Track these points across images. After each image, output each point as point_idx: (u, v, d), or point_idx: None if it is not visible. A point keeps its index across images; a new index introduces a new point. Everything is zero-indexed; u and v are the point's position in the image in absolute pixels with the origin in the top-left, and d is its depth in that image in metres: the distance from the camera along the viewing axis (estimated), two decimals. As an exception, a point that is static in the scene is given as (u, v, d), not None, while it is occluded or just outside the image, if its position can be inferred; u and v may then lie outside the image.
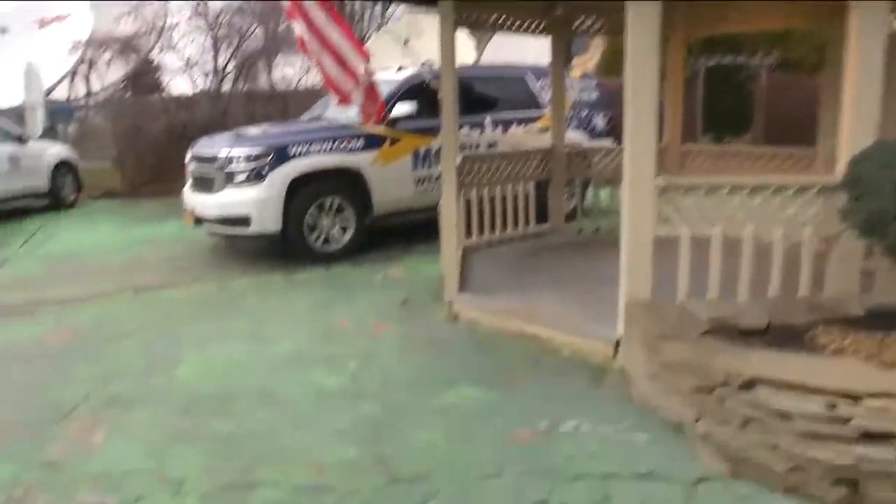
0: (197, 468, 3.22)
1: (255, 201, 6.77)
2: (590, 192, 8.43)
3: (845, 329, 3.55)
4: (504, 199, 6.48)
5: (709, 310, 3.76)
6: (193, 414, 3.79)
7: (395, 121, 7.49)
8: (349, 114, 7.56)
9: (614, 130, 9.45)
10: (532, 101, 8.78)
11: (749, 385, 3.08)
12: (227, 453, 3.36)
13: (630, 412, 3.62)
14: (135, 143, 13.47)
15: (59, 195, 12.15)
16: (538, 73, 8.78)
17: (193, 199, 7.42)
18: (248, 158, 6.89)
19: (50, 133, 15.85)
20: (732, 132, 12.94)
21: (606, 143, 8.68)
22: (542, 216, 7.03)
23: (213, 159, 7.15)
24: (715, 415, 3.20)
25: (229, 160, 6.96)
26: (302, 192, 6.92)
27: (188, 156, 7.77)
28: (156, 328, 5.30)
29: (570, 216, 7.67)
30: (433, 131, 7.29)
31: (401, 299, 5.60)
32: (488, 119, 8.27)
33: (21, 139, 11.65)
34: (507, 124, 8.41)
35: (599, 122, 9.69)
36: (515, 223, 6.67)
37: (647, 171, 3.89)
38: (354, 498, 2.94)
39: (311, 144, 7.04)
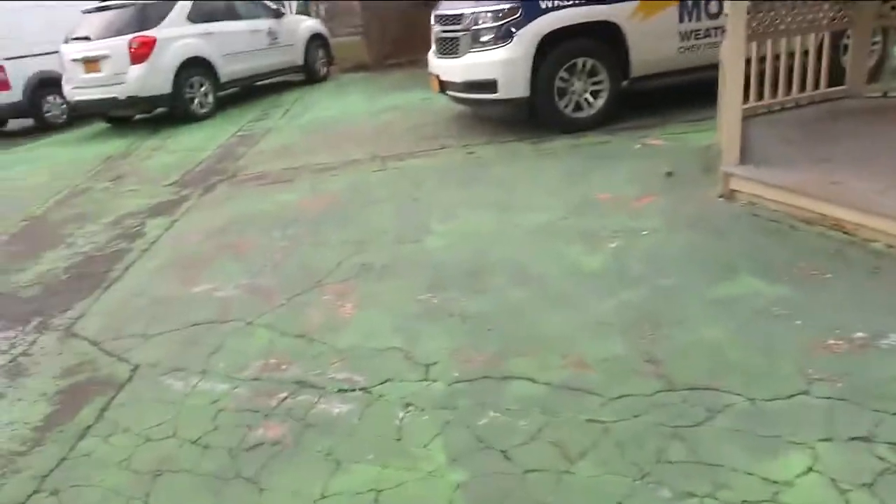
0: (445, 350, 2.99)
1: (503, 63, 6.27)
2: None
3: None
4: (791, 54, 5.36)
5: None
6: (442, 289, 3.57)
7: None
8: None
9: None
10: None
11: None
12: (477, 336, 3.09)
13: None
14: (380, 16, 13.52)
15: (312, 68, 12.63)
16: None
17: (438, 63, 7.11)
18: (496, 16, 6.35)
19: (303, 10, 16.51)
20: None
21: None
22: (833, 77, 5.78)
23: (457, 19, 6.71)
24: None
25: (475, 19, 6.48)
26: (552, 52, 6.28)
27: (432, 18, 7.43)
28: (404, 196, 5.18)
29: (871, 77, 6.27)
30: (705, -25, 6.22)
31: (664, 171, 4.91)
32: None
33: (277, 14, 12.09)
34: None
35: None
36: (804, 84, 5.54)
37: None
38: (622, 405, 2.51)
39: (563, -5, 6.30)
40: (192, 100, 9.88)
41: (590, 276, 3.50)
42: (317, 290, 3.72)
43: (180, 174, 6.86)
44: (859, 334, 2.79)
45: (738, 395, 2.50)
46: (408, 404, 2.67)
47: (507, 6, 6.30)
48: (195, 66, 9.87)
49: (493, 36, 6.35)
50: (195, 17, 10.19)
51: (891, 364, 2.60)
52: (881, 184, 3.79)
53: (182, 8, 10.06)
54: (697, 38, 6.62)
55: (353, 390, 2.80)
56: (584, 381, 2.66)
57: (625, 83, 6.53)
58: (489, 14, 6.38)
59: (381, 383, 2.82)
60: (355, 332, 3.25)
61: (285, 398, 2.81)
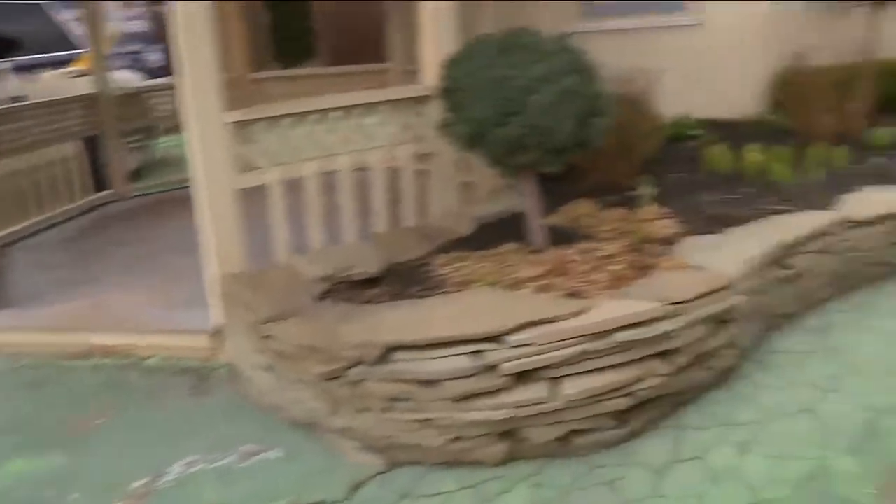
0: None
1: None
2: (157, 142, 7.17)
3: (461, 252, 3.22)
4: (37, 168, 5.00)
5: (317, 266, 3.10)
6: None
7: None
8: None
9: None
10: (59, 38, 7.05)
11: (386, 355, 2.48)
12: None
13: (251, 423, 2.83)
14: None
15: None
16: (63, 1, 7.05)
17: None
18: None
19: None
20: (301, 58, 12.35)
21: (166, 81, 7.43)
22: (101, 181, 5.70)
23: None
24: (353, 402, 2.56)
25: None
26: None
27: None
28: None
29: (139, 174, 6.44)
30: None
31: None
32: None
33: None
34: (29, 70, 6.62)
35: (155, 57, 8.35)
36: (64, 197, 5.25)
37: (213, 106, 2.99)
38: None
39: None
40: None
41: None
42: None
43: None
44: (141, 480, 2.53)
45: None
46: None
47: None
48: None
49: None
50: None
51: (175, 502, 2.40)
52: (143, 296, 3.70)
53: None
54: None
55: None
56: None
57: None
58: None
59: None
60: None
61: None
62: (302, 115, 3.23)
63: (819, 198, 3.76)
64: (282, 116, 3.18)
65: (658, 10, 5.44)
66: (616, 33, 5.31)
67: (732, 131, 5.16)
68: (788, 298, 3.33)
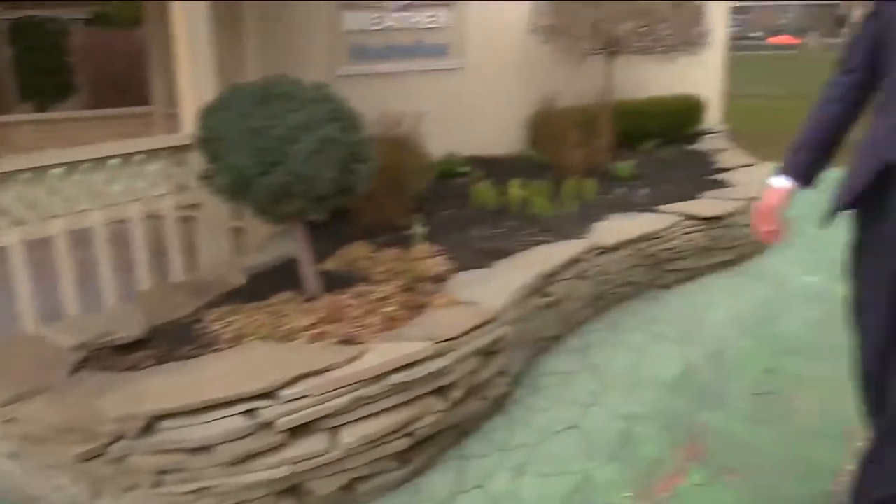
0: None
1: None
2: None
3: (234, 305, 3.10)
4: None
5: (71, 334, 2.83)
6: None
7: None
8: None
9: None
10: None
11: (151, 425, 2.31)
12: None
13: (-3, 517, 2.50)
14: None
15: None
16: None
17: None
18: None
19: None
20: (55, 97, 11.33)
21: None
22: None
23: None
24: (118, 481, 2.36)
25: None
26: None
27: None
28: None
29: None
30: None
31: None
32: None
33: None
34: None
35: None
36: None
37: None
38: None
39: None
40: None
41: None
42: None
43: None
44: None
45: None
46: None
47: None
48: None
49: None
50: None
51: None
52: None
53: None
54: None
55: None
56: None
57: None
58: None
59: None
60: None
61: None
62: (44, 169, 2.96)
63: (573, 228, 4.12)
64: (19, 171, 2.89)
65: (422, 54, 5.70)
66: (383, 76, 5.46)
67: (497, 167, 5.51)
68: (551, 323, 3.59)
